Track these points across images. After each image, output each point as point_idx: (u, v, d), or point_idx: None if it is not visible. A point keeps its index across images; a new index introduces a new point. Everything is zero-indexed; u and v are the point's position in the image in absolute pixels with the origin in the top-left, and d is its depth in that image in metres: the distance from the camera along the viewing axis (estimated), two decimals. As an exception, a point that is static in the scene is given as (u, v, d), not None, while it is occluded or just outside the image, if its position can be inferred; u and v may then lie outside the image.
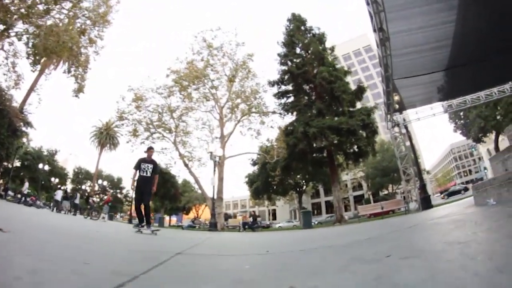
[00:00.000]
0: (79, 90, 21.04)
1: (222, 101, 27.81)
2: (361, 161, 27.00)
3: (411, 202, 18.25)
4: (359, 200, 58.82)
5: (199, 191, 34.13)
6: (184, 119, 27.57)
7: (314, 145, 23.02)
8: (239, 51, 31.54)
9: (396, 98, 16.71)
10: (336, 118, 22.24)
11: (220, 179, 24.94)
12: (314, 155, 25.24)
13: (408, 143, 19.20)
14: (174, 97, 26.99)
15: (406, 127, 18.88)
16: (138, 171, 7.87)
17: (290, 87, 26.21)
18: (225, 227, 25.61)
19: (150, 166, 7.95)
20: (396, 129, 19.35)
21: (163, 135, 27.17)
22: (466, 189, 36.41)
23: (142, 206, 7.83)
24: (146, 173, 7.84)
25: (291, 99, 26.21)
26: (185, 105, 27.09)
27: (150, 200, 8.28)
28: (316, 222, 36.97)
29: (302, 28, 26.41)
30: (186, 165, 26.59)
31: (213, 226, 19.86)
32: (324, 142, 21.92)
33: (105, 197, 43.87)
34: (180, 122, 27.43)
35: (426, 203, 16.26)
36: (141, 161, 7.97)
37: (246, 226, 22.33)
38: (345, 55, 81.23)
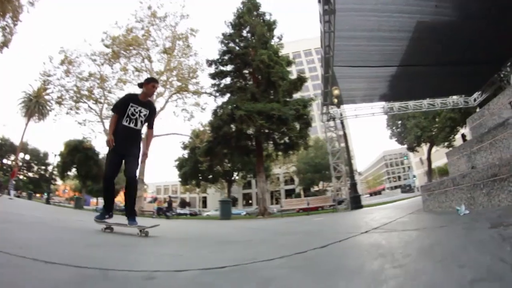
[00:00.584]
0: (4, 43, 17.94)
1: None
2: (291, 154, 25.72)
3: (340, 200, 17.30)
4: (290, 194, 59.12)
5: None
6: (115, 92, 24.79)
7: (242, 130, 21.14)
8: (183, 23, 28.99)
9: (336, 92, 15.61)
10: (269, 104, 20.66)
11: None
12: (242, 142, 23.36)
13: (342, 139, 18.23)
14: (109, 67, 24.31)
15: (342, 122, 17.83)
16: (121, 117, 4.56)
17: (228, 68, 24.25)
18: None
19: (145, 111, 4.68)
20: (332, 123, 18.23)
21: (90, 107, 24.27)
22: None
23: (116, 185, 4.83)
24: (135, 123, 4.60)
25: (228, 80, 24.35)
26: (119, 76, 24.34)
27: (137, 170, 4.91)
28: (244, 213, 36.62)
29: (255, 12, 24.72)
30: (109, 142, 23.54)
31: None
32: (251, 127, 20.17)
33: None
34: (110, 94, 24.67)
35: (355, 202, 15.53)
36: (130, 100, 4.64)
37: (160, 212, 20.64)
38: (295, 52, 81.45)
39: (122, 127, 4.51)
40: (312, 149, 44.48)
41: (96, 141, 39.35)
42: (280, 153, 25.21)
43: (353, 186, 16.13)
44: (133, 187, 4.61)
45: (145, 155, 5.12)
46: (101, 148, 37.88)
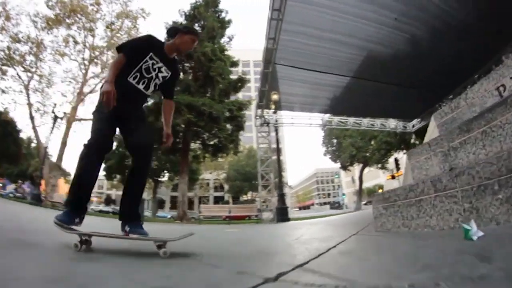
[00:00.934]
0: None
1: (95, 52, 22.65)
2: (220, 157, 24.23)
3: (267, 211, 16.08)
4: (218, 201, 57.34)
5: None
6: (50, 64, 22.00)
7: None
8: (136, 2, 26.31)
9: (274, 97, 14.43)
10: (201, 99, 18.89)
11: (63, 143, 19.92)
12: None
13: (274, 147, 17.07)
14: (49, 33, 21.18)
15: (276, 130, 16.65)
16: (128, 68, 2.75)
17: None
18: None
19: (166, 72, 2.96)
20: (265, 128, 16.97)
21: (19, 75, 20.83)
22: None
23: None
24: (148, 85, 2.88)
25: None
26: (57, 47, 21.39)
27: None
28: (169, 216, 35.61)
29: (212, 8, 22.95)
30: (32, 117, 20.59)
31: (35, 199, 15.30)
32: (178, 120, 17.86)
33: None
34: (44, 65, 21.52)
35: (282, 214, 14.37)
36: (151, 48, 2.85)
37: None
38: (245, 61, 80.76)
39: (126, 84, 2.73)
40: (244, 157, 43.16)
41: (16, 114, 33.14)
42: (208, 155, 23.50)
43: (281, 197, 14.91)
44: (145, 168, 2.90)
45: (169, 137, 3.05)
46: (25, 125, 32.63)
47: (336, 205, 65.21)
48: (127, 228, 2.62)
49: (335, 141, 34.23)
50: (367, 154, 30.97)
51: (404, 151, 33.19)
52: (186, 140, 20.53)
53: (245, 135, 27.12)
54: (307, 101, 15.29)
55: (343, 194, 59.64)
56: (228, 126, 20.52)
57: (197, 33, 3.19)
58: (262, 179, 16.30)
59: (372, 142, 30.26)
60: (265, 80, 13.55)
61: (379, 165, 32.14)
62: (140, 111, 3.08)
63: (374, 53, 11.45)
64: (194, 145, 23.07)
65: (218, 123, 18.98)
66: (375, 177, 79.42)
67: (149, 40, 2.93)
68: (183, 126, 18.90)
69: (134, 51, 2.77)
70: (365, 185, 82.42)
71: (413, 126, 21.71)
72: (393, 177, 31.54)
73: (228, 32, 23.70)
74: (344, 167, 35.34)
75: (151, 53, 2.80)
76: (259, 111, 16.14)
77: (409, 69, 12.29)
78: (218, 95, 20.09)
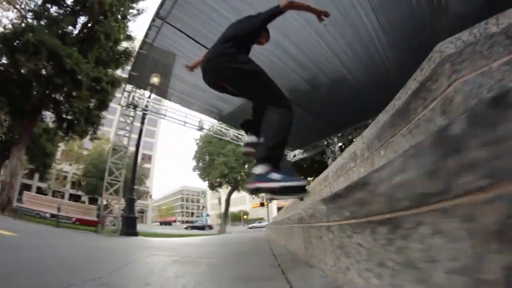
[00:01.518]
0: None
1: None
2: (71, 137, 18.81)
3: (110, 218, 12.14)
4: (76, 200, 46.19)
5: None
6: None
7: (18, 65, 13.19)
8: None
9: (155, 80, 11.34)
10: (69, 50, 13.64)
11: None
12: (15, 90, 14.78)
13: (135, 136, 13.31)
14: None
15: (144, 116, 13.07)
16: None
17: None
18: None
19: None
20: (131, 112, 13.43)
21: None
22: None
23: None
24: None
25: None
26: None
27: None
28: None
29: None
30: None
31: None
32: (29, 65, 12.46)
33: None
34: None
35: (128, 226, 10.90)
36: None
37: None
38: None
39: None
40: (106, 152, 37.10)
41: None
42: (60, 132, 18.27)
43: (130, 202, 11.25)
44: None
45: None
46: None
47: (200, 226, 62.72)
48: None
49: (207, 157, 31.36)
50: (239, 177, 29.03)
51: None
52: (40, 99, 15.21)
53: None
54: (190, 92, 12.34)
55: (207, 215, 57.82)
56: (92, 99, 16.02)
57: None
58: (110, 175, 12.39)
59: (246, 166, 28.59)
60: (148, 42, 9.98)
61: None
62: None
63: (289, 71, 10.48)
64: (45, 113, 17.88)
65: (80, 89, 14.23)
66: (241, 203, 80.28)
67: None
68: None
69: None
70: (231, 209, 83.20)
71: (294, 156, 20.70)
72: (262, 204, 30.47)
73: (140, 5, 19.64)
74: (212, 187, 32.27)
75: None
76: (130, 86, 12.60)
77: (311, 96, 11.94)
78: (95, 61, 15.50)
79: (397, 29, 8.59)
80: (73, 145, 37.41)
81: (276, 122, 2.31)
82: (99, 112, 16.74)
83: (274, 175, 2.14)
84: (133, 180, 11.62)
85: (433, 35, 8.23)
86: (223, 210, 33.18)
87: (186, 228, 46.12)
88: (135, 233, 10.73)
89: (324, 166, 26.38)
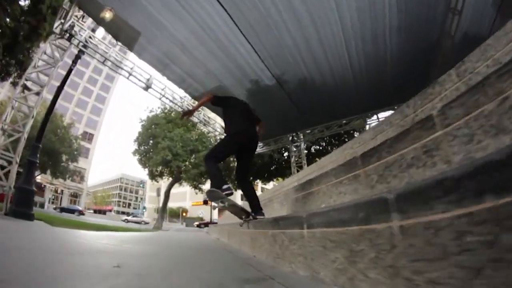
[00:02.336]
0: None
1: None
2: None
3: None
4: None
5: None
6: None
7: None
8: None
9: (108, 15, 8.27)
10: None
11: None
12: None
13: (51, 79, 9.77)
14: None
15: (77, 56, 9.27)
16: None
17: None
18: None
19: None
20: (67, 43, 9.83)
21: None
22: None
23: None
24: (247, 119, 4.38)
25: None
26: None
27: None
28: None
29: None
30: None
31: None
32: None
33: None
34: None
35: (22, 203, 7.19)
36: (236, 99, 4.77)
37: None
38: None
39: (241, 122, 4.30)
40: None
41: None
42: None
43: (30, 167, 7.58)
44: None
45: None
46: None
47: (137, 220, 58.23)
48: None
49: (151, 141, 26.81)
50: (183, 166, 25.19)
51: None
52: None
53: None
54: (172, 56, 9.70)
55: (144, 208, 52.58)
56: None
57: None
58: (12, 123, 8.77)
59: (193, 156, 25.13)
60: None
61: (194, 184, 26.91)
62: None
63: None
64: None
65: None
66: (182, 199, 75.04)
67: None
68: None
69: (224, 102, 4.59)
70: (170, 204, 77.99)
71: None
72: (205, 202, 27.57)
73: None
74: (152, 176, 28.02)
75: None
76: (74, 10, 9.27)
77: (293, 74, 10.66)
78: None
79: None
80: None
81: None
82: (30, 46, 12.57)
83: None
84: (41, 136, 8.20)
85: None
86: (161, 204, 29.51)
87: (124, 221, 41.98)
88: (28, 216, 7.13)
89: (284, 166, 24.20)
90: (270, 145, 18.15)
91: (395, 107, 12.04)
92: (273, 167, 24.87)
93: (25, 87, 9.27)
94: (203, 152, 24.01)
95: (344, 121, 15.08)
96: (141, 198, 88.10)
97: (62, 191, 61.37)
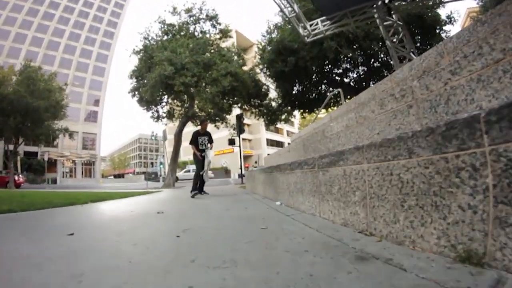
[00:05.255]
0: None
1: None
2: None
3: None
4: None
5: None
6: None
7: None
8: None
9: None
10: None
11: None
12: None
13: None
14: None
15: None
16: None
17: None
18: None
19: (206, 138, 8.28)
20: None
21: None
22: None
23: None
24: (204, 146, 8.17)
25: None
26: None
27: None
28: None
29: None
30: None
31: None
32: None
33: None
34: None
35: None
36: (197, 135, 8.29)
37: None
38: None
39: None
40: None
41: None
42: None
43: None
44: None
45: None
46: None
47: (153, 176, 52.90)
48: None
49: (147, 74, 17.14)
50: (194, 84, 15.64)
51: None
52: None
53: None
54: None
55: (161, 163, 45.85)
56: None
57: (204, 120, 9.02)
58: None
59: (210, 72, 15.88)
60: None
61: (214, 109, 17.78)
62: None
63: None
64: None
65: None
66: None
67: (196, 133, 8.37)
68: None
69: (195, 140, 8.29)
70: (189, 157, 68.72)
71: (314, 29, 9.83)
72: (231, 142, 19.19)
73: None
74: (156, 116, 19.34)
75: (198, 136, 8.30)
76: None
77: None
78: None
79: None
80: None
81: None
82: None
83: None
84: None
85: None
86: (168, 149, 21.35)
87: (145, 179, 35.70)
88: None
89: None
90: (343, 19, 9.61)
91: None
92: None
93: None
94: (223, 65, 15.56)
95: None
96: (163, 156, 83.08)
97: (74, 161, 55.72)
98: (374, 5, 9.89)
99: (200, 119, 10.45)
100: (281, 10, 9.28)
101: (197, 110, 17.06)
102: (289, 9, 9.18)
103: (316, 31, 10.47)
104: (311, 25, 10.60)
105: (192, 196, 7.62)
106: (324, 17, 10.48)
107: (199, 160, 7.99)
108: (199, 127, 8.46)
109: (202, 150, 8.01)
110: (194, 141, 8.13)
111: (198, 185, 8.06)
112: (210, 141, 8.30)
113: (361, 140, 3.74)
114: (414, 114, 2.71)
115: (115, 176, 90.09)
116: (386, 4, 9.66)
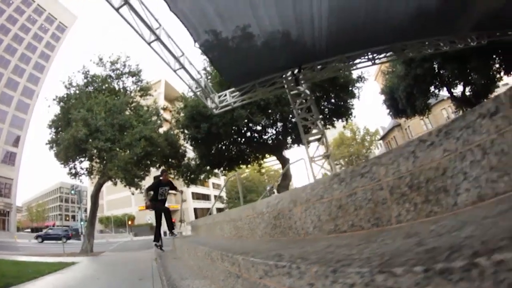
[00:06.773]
0: None
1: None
2: None
3: None
4: None
5: None
6: None
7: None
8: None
9: None
10: None
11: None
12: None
13: None
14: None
15: None
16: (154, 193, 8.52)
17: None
18: None
19: (167, 188, 8.75)
20: None
21: None
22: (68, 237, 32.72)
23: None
24: (164, 196, 8.66)
25: None
26: None
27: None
28: None
29: None
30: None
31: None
32: None
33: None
34: None
35: None
36: (159, 184, 8.64)
37: None
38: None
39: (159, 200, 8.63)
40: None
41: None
42: None
43: None
44: (167, 215, 8.69)
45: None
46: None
47: (73, 233, 46.49)
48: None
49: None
50: (108, 148, 15.12)
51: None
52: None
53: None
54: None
55: (81, 220, 41.64)
56: None
57: (165, 170, 10.53)
58: None
59: (125, 134, 15.90)
60: None
61: (127, 177, 17.21)
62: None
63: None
64: None
65: None
66: (126, 204, 60.65)
67: (156, 184, 8.84)
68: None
69: (155, 188, 8.71)
70: (114, 212, 64.19)
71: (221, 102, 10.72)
72: (147, 207, 18.70)
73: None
74: (73, 173, 18.49)
75: (159, 186, 8.64)
76: None
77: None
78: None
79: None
80: None
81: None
82: None
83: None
84: None
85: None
86: (88, 209, 20.38)
87: (36, 238, 33.45)
88: None
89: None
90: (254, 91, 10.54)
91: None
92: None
93: None
94: (138, 129, 15.67)
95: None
96: (85, 209, 74.83)
97: (-16, 211, 48.94)
98: (283, 75, 10.89)
99: (161, 170, 11.19)
100: (188, 86, 9.86)
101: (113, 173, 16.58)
102: (195, 86, 9.78)
103: (224, 103, 11.18)
104: (219, 97, 11.31)
105: (155, 246, 8.68)
106: (233, 89, 11.25)
107: (156, 210, 8.50)
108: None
109: (162, 200, 8.35)
110: (153, 189, 8.41)
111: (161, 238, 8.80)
112: (173, 189, 8.85)
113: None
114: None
115: (33, 230, 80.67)
116: (295, 75, 10.68)
